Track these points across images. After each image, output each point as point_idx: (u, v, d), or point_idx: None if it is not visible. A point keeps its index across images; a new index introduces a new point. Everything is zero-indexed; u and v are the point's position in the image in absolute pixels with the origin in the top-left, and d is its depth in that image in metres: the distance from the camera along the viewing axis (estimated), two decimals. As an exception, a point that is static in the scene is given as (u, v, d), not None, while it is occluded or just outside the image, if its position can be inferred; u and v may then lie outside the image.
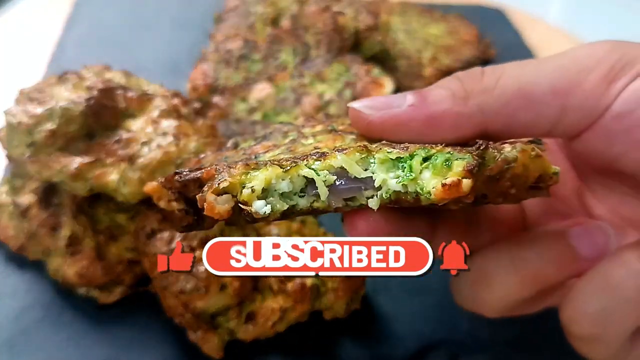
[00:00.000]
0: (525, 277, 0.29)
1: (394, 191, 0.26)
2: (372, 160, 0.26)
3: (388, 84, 0.53)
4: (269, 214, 0.26)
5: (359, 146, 0.26)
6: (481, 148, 0.25)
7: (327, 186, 0.26)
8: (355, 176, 0.26)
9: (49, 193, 0.43)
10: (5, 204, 0.44)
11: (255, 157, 0.29)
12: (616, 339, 0.29)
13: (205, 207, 0.25)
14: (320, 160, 0.26)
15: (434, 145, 0.26)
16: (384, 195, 0.26)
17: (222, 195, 0.25)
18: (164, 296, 0.38)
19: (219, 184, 0.25)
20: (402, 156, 0.26)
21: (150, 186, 0.29)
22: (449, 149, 0.25)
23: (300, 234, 0.42)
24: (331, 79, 0.55)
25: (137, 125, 0.41)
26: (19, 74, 0.64)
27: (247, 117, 0.54)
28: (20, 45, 0.70)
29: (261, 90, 0.55)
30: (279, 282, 0.39)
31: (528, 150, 0.25)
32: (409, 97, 0.28)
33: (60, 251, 0.41)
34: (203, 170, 0.27)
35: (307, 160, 0.26)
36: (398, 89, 0.58)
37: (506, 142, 0.26)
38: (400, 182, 0.25)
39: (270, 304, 0.38)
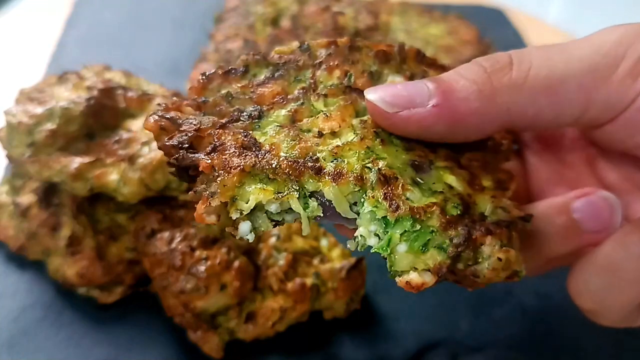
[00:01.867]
0: (530, 252, 0.29)
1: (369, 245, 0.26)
2: (363, 196, 0.26)
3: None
4: (252, 240, 0.26)
5: (355, 176, 0.26)
6: (459, 249, 0.25)
7: (313, 217, 0.26)
8: (343, 214, 0.26)
9: (49, 193, 0.43)
10: (5, 204, 0.44)
11: (260, 116, 0.29)
12: (618, 313, 0.29)
13: (195, 214, 0.26)
14: (315, 180, 0.26)
15: (424, 210, 0.26)
16: (359, 246, 0.26)
17: (211, 205, 0.26)
18: (164, 296, 0.38)
19: (210, 198, 0.25)
20: (388, 218, 0.26)
21: (149, 125, 0.28)
22: (435, 224, 0.25)
23: (300, 233, 0.42)
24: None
25: (137, 125, 0.41)
26: (19, 73, 0.64)
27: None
28: (20, 45, 0.70)
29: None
30: (279, 282, 0.39)
31: (499, 269, 0.26)
32: (431, 90, 0.26)
33: (61, 251, 0.41)
34: (201, 158, 0.26)
35: (301, 178, 0.26)
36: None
37: (490, 233, 0.26)
38: (377, 247, 0.26)
39: (271, 304, 0.38)
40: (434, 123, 0.27)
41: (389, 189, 0.26)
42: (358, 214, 0.26)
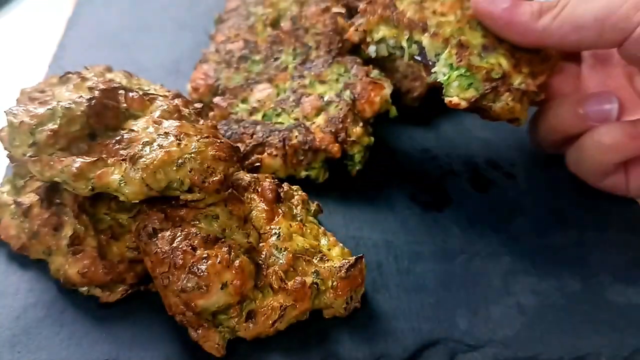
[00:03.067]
0: (548, 127, 0.50)
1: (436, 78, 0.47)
2: (444, 50, 0.46)
3: (387, 85, 0.53)
4: (374, 57, 0.51)
5: (444, 38, 0.46)
6: (487, 90, 0.45)
7: (412, 55, 0.49)
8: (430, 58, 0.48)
9: (50, 193, 0.43)
10: (6, 204, 0.45)
11: None
12: (590, 177, 0.50)
13: (347, 34, 0.51)
14: (420, 34, 0.47)
15: (476, 68, 0.45)
16: (433, 78, 0.48)
17: (358, 30, 0.50)
18: (165, 295, 0.38)
19: (358, 25, 0.49)
20: (453, 65, 0.46)
21: None
22: (479, 77, 0.45)
23: (301, 233, 0.43)
24: (331, 80, 0.55)
25: (138, 125, 0.41)
26: (20, 74, 0.64)
27: (248, 118, 0.54)
28: (21, 45, 0.70)
29: (262, 91, 0.56)
30: (279, 281, 0.39)
31: (505, 110, 0.45)
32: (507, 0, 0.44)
33: (62, 250, 0.41)
34: (361, 4, 0.50)
35: (412, 30, 0.47)
36: (397, 90, 0.59)
37: (509, 91, 0.45)
38: (442, 79, 0.47)
39: (271, 303, 0.39)
40: (497, 19, 0.44)
41: (461, 51, 0.46)
42: (438, 60, 0.47)
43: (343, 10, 0.55)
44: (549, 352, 0.41)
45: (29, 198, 0.44)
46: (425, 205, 0.53)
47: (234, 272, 0.37)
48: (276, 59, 0.58)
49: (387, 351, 0.40)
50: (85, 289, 0.41)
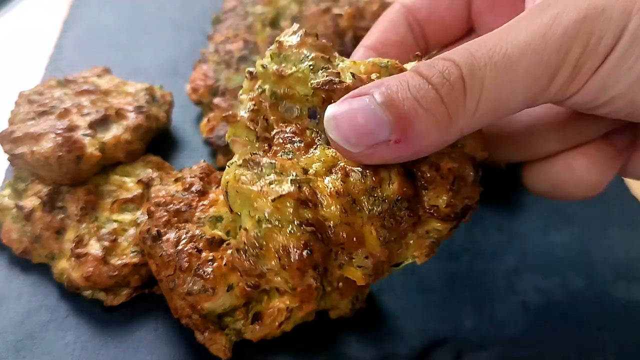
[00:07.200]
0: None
1: None
2: None
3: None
4: None
5: None
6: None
7: None
8: None
9: (53, 196, 0.43)
10: (7, 207, 0.44)
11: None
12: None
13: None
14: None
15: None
16: None
17: None
18: (170, 298, 0.38)
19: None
20: None
21: None
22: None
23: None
24: None
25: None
26: (17, 76, 0.63)
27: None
28: (17, 47, 0.69)
29: (262, 92, 0.55)
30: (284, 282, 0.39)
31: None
32: (392, 123, 0.27)
33: (66, 254, 0.41)
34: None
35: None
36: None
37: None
38: None
39: (277, 304, 0.38)
40: (397, 156, 0.28)
41: None
42: None
43: (343, 12, 0.53)
44: (555, 349, 0.41)
45: (31, 202, 0.43)
46: (428, 204, 0.53)
47: (239, 274, 0.37)
48: (276, 60, 0.58)
49: (393, 351, 0.40)
50: (89, 292, 0.41)
